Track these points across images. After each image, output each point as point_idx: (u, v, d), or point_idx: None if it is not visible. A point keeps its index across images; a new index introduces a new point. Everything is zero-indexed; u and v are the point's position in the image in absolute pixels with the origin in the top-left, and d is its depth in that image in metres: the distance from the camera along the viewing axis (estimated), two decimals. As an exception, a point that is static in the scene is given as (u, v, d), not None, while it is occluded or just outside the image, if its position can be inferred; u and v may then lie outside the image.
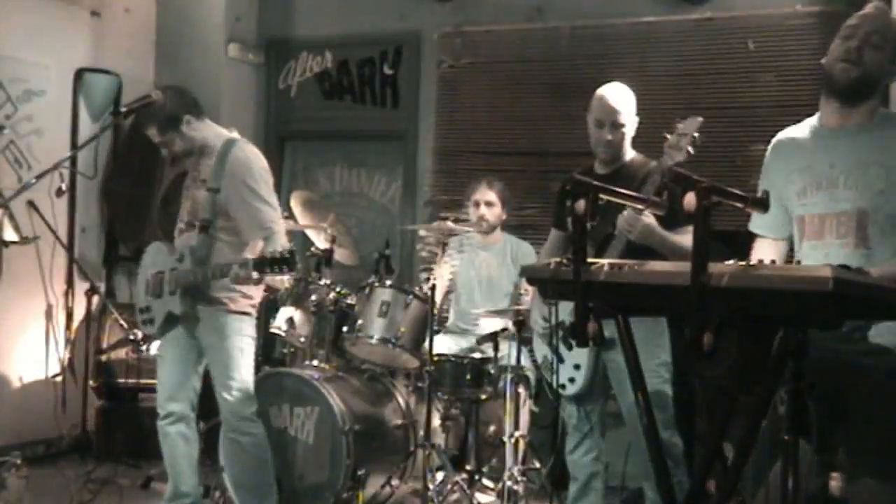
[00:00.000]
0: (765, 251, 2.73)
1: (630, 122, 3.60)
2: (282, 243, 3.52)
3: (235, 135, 3.87)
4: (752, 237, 3.03)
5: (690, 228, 3.22)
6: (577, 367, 3.56)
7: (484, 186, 4.90)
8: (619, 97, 3.58)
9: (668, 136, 3.40)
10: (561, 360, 3.56)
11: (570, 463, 3.71)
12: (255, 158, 3.77)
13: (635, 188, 3.21)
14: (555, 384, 3.53)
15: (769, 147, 2.75)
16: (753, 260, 2.54)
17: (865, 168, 2.48)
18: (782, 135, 2.73)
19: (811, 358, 2.45)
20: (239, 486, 3.94)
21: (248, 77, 6.39)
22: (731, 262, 2.09)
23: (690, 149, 3.35)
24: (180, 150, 3.77)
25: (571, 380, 3.57)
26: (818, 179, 2.55)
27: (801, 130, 2.68)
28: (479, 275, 4.93)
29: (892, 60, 2.52)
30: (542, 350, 3.76)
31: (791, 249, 2.73)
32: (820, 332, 2.34)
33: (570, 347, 3.46)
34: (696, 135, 3.37)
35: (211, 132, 3.82)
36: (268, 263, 3.37)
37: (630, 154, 3.64)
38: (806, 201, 2.58)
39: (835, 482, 2.60)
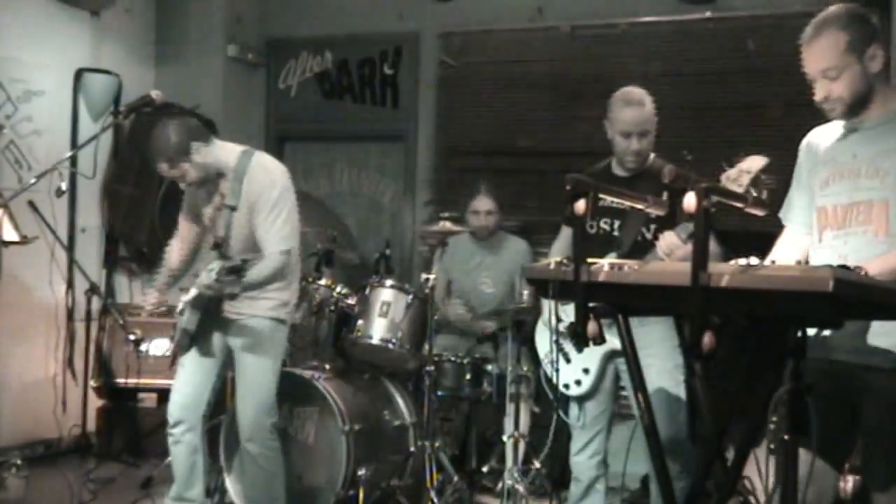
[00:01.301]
0: (788, 246, 2.70)
1: (654, 125, 3.58)
2: (273, 267, 3.55)
3: (247, 148, 3.79)
4: (753, 238, 3.01)
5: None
6: (586, 370, 3.57)
7: (483, 196, 4.90)
8: (642, 105, 3.55)
9: (726, 168, 3.28)
10: (568, 360, 3.55)
11: (574, 464, 3.70)
12: (272, 174, 3.68)
13: (658, 192, 3.20)
14: (556, 381, 3.51)
15: (802, 145, 2.74)
16: (772, 254, 2.54)
17: (886, 157, 2.46)
18: (813, 132, 2.72)
19: (821, 360, 2.46)
20: (247, 497, 3.94)
21: (248, 77, 6.39)
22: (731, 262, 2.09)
23: (752, 189, 3.18)
24: (196, 179, 3.68)
25: (578, 382, 3.58)
26: (840, 169, 2.55)
27: (829, 127, 2.67)
28: (475, 274, 4.93)
29: (860, 63, 2.46)
30: (544, 347, 3.75)
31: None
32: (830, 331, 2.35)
33: (580, 350, 3.43)
34: (762, 176, 3.19)
35: (223, 153, 3.71)
36: (225, 271, 3.38)
37: (651, 156, 3.61)
38: (828, 191, 2.57)
39: (844, 483, 2.60)
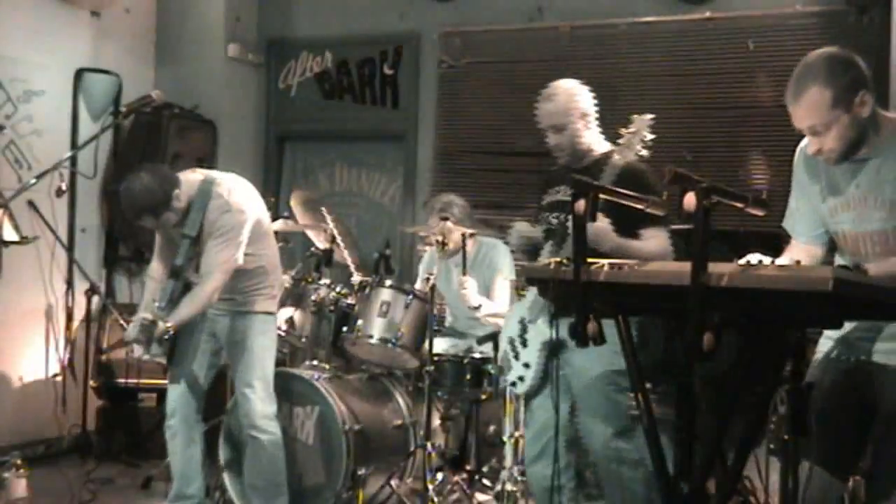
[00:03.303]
0: (796, 254, 2.65)
1: (575, 118, 3.43)
2: (209, 289, 3.64)
3: (204, 175, 3.84)
4: (753, 238, 3.01)
5: (651, 233, 3.22)
6: (526, 365, 3.43)
7: (434, 215, 4.64)
8: (551, 100, 3.45)
9: (623, 132, 3.27)
10: (517, 356, 3.49)
11: (528, 475, 3.53)
12: (228, 204, 3.73)
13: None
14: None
15: (798, 150, 2.67)
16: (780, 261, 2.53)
17: (889, 185, 2.43)
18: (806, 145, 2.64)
19: (839, 360, 2.47)
20: (251, 485, 3.97)
21: (248, 77, 6.39)
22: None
23: (641, 148, 3.18)
24: (175, 222, 3.76)
25: (521, 378, 3.45)
26: (847, 200, 2.51)
27: None
28: (451, 285, 4.82)
29: (849, 113, 2.38)
30: (502, 345, 3.65)
31: (831, 258, 2.68)
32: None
33: (524, 344, 3.44)
34: (646, 135, 3.20)
35: (187, 190, 3.76)
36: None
37: (602, 147, 3.47)
38: (838, 219, 2.55)
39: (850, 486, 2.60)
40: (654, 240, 3.26)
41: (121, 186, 3.73)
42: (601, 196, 2.48)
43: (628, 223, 3.17)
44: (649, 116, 3.28)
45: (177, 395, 3.90)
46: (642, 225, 3.24)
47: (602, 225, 3.15)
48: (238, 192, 3.82)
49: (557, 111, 3.43)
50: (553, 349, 3.33)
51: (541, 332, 3.37)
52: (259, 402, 3.85)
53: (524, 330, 3.44)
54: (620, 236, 3.16)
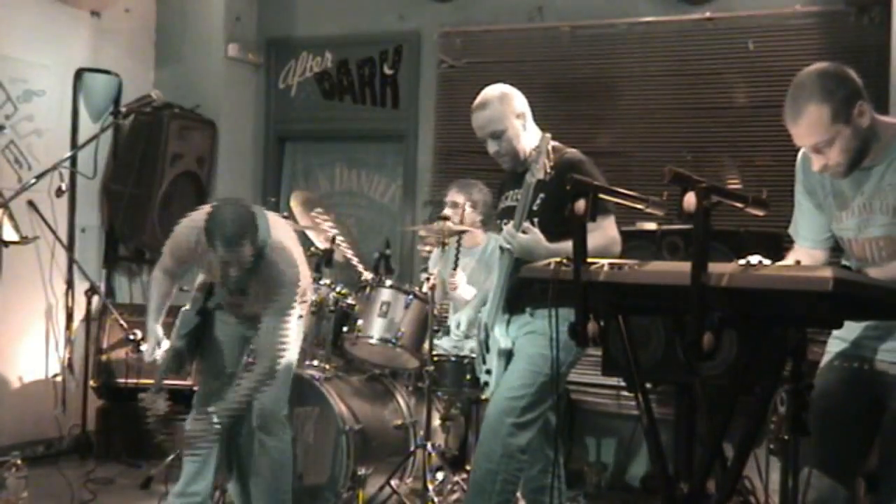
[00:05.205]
0: (800, 257, 2.62)
1: (510, 122, 3.44)
2: (264, 372, 3.59)
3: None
4: (753, 238, 3.01)
5: (595, 225, 3.16)
6: (488, 372, 3.49)
7: (454, 188, 4.80)
8: (483, 108, 3.46)
9: (533, 152, 3.29)
10: (484, 361, 3.53)
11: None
12: (285, 274, 3.60)
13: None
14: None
15: (800, 156, 2.64)
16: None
17: (891, 190, 2.43)
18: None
19: (847, 361, 2.47)
20: (254, 488, 3.93)
21: (248, 77, 6.39)
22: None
23: (549, 167, 3.17)
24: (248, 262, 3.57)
25: (486, 383, 3.51)
26: (851, 206, 2.52)
27: None
28: (463, 280, 4.82)
29: (849, 126, 2.37)
30: (476, 347, 3.69)
31: (835, 259, 2.68)
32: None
33: (487, 349, 3.49)
34: (550, 155, 3.20)
35: None
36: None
37: (526, 151, 3.46)
38: (843, 225, 2.55)
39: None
40: (597, 232, 3.10)
41: (213, 215, 3.47)
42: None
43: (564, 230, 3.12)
44: (549, 135, 3.26)
45: (206, 397, 3.79)
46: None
47: (527, 237, 3.21)
48: (289, 249, 3.67)
49: (494, 117, 3.44)
50: (509, 355, 3.41)
51: (497, 339, 3.43)
52: (275, 405, 3.79)
53: (487, 335, 3.49)
54: (562, 239, 3.02)
